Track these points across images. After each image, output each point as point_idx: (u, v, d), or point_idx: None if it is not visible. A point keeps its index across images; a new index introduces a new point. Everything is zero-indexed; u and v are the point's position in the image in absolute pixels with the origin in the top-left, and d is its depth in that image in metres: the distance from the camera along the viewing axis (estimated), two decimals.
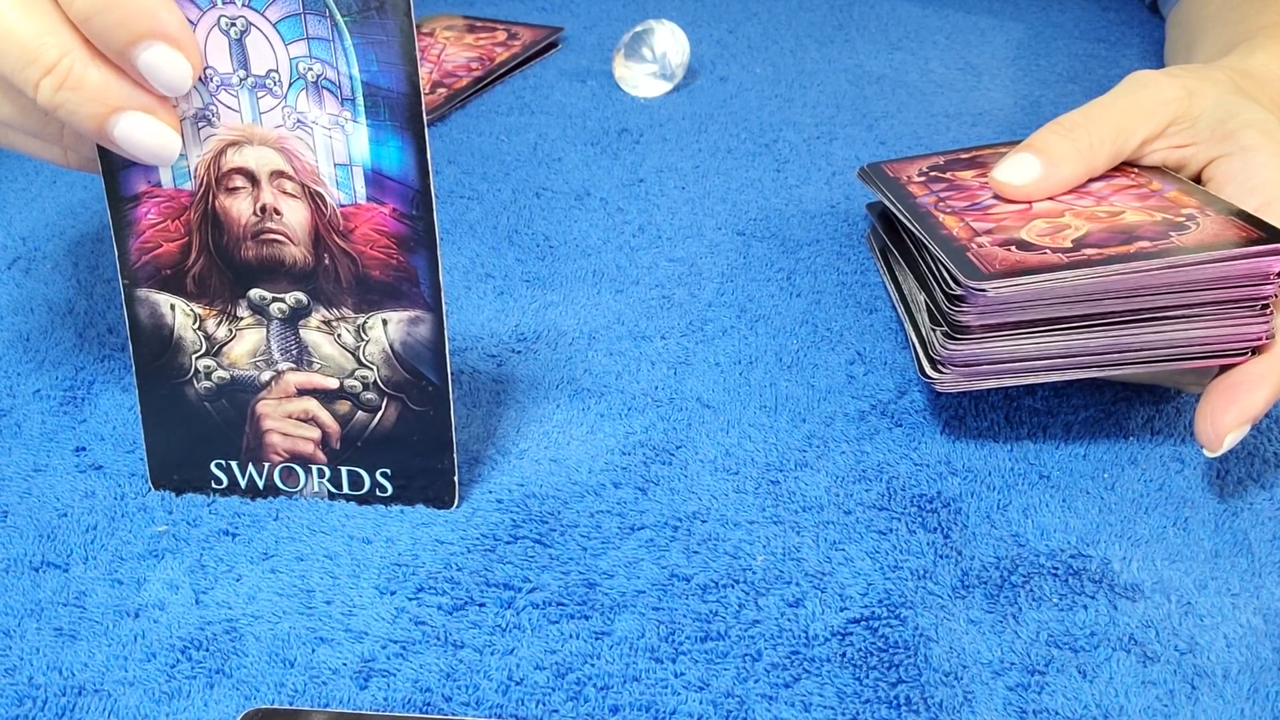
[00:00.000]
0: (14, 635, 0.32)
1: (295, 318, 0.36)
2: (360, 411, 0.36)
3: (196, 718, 0.30)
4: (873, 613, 0.33)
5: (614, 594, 0.33)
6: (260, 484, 0.37)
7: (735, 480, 0.37)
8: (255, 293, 0.35)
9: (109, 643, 0.32)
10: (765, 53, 0.71)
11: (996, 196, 0.40)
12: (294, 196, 0.34)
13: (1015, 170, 0.40)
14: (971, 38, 0.73)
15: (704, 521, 0.36)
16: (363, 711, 0.30)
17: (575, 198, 0.54)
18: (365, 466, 0.37)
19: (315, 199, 0.35)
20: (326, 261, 0.35)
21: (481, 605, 0.33)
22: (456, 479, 0.36)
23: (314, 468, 0.37)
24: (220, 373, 0.36)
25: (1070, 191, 0.40)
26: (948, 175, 0.44)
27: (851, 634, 0.32)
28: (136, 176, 0.35)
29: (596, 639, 0.32)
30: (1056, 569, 0.34)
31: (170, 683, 0.30)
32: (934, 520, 0.36)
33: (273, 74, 0.33)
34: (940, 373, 0.36)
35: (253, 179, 0.34)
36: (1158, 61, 0.68)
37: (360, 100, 0.33)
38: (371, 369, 0.36)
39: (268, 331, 0.36)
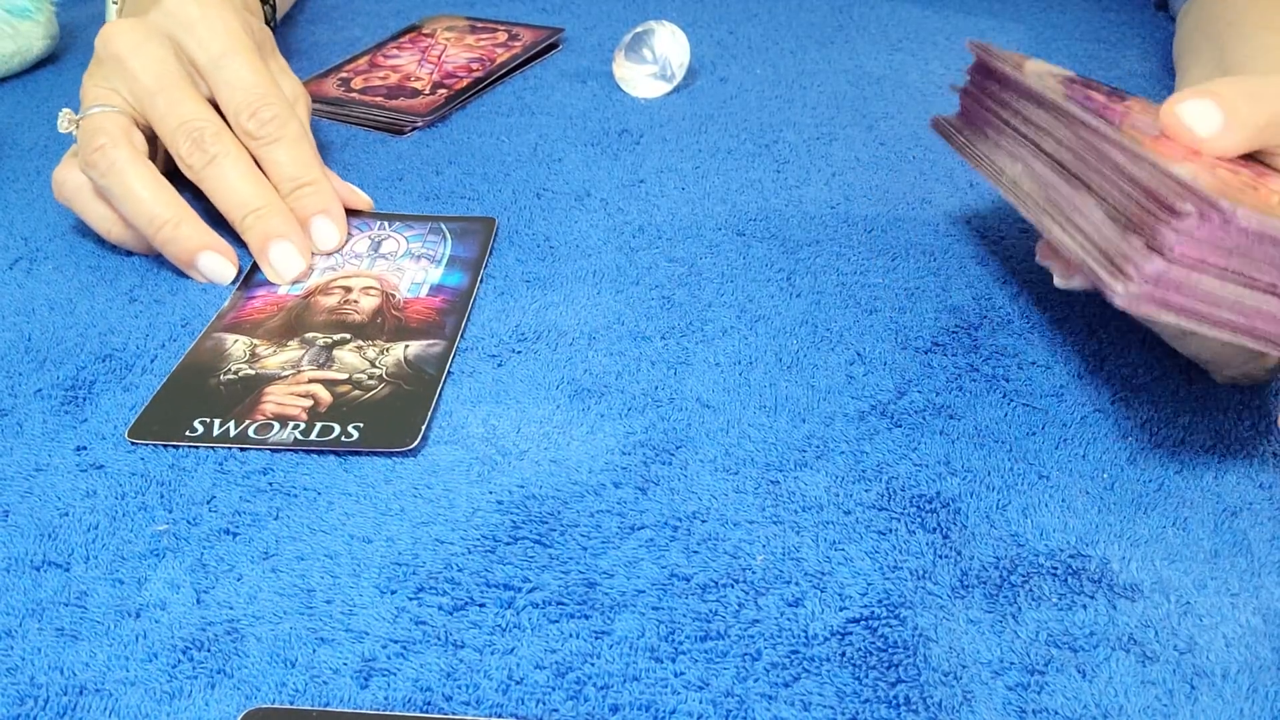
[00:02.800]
0: (15, 635, 0.32)
1: (335, 345, 0.43)
2: (356, 390, 0.40)
3: (197, 717, 0.30)
4: (872, 613, 0.33)
5: (614, 594, 0.33)
6: (232, 434, 0.38)
7: (735, 480, 0.37)
8: (310, 334, 0.44)
9: (110, 642, 0.32)
10: (765, 54, 0.71)
11: (1161, 130, 0.37)
12: (372, 295, 0.46)
13: (1198, 116, 0.36)
14: (972, 39, 0.73)
15: (704, 521, 0.36)
16: (363, 711, 0.30)
17: (575, 198, 0.54)
18: (340, 421, 0.39)
19: (387, 295, 0.46)
20: (379, 321, 0.44)
21: (482, 605, 0.33)
22: (423, 428, 0.38)
23: (290, 422, 0.39)
24: (248, 371, 0.41)
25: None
26: (1082, 88, 0.40)
27: (851, 634, 0.32)
28: (261, 286, 0.47)
29: (596, 639, 0.32)
30: (1056, 569, 0.34)
31: (171, 682, 0.30)
32: (933, 520, 0.36)
33: (392, 253, 0.49)
34: (1134, 284, 0.32)
35: (347, 289, 0.47)
36: (1159, 62, 0.68)
37: (445, 262, 0.48)
38: (381, 369, 0.41)
39: (306, 352, 0.42)
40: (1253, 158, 0.38)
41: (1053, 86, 0.40)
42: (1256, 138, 0.36)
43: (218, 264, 0.47)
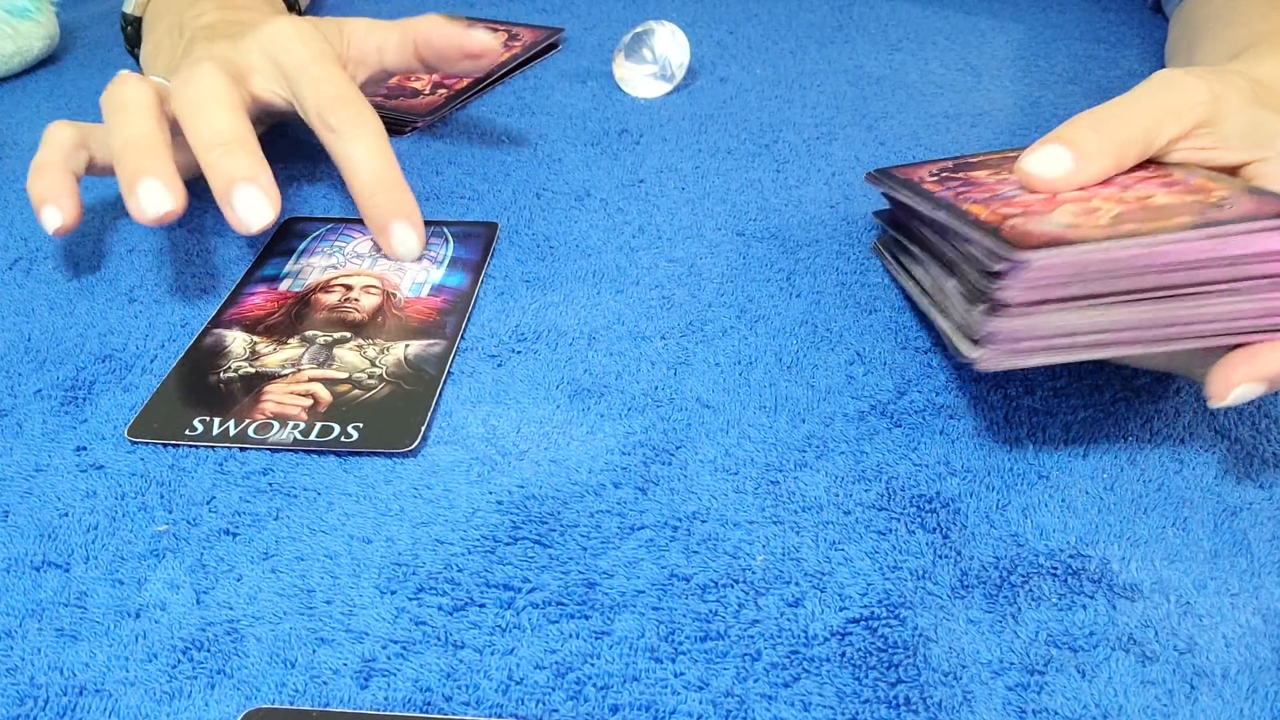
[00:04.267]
0: (15, 635, 0.32)
1: (335, 344, 0.43)
2: (356, 389, 0.40)
3: (197, 717, 0.30)
4: (872, 613, 0.33)
5: (614, 594, 0.33)
6: (232, 434, 0.38)
7: (735, 480, 0.37)
8: (310, 332, 0.44)
9: (110, 643, 0.32)
10: (765, 54, 0.71)
11: (1021, 188, 0.40)
12: (373, 294, 0.46)
13: (1046, 162, 0.39)
14: (971, 38, 0.73)
15: (704, 521, 0.36)
16: (363, 711, 0.30)
17: (575, 198, 0.54)
18: (340, 421, 0.39)
19: (388, 294, 0.46)
20: (380, 320, 0.45)
21: (481, 605, 0.33)
22: (423, 429, 0.38)
23: (290, 422, 0.39)
24: (248, 369, 0.41)
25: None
26: (960, 175, 0.43)
27: (851, 634, 0.32)
28: (262, 283, 0.47)
29: (596, 639, 0.32)
30: (1055, 569, 0.34)
31: (171, 683, 0.30)
32: (933, 520, 0.36)
33: None
34: (982, 349, 0.35)
35: (348, 288, 0.47)
36: (1158, 63, 0.68)
37: (446, 263, 0.48)
38: (382, 368, 0.42)
39: (306, 350, 0.43)
40: (1153, 163, 0.40)
41: (927, 186, 0.43)
42: (1118, 159, 0.39)
43: (256, 200, 0.43)
